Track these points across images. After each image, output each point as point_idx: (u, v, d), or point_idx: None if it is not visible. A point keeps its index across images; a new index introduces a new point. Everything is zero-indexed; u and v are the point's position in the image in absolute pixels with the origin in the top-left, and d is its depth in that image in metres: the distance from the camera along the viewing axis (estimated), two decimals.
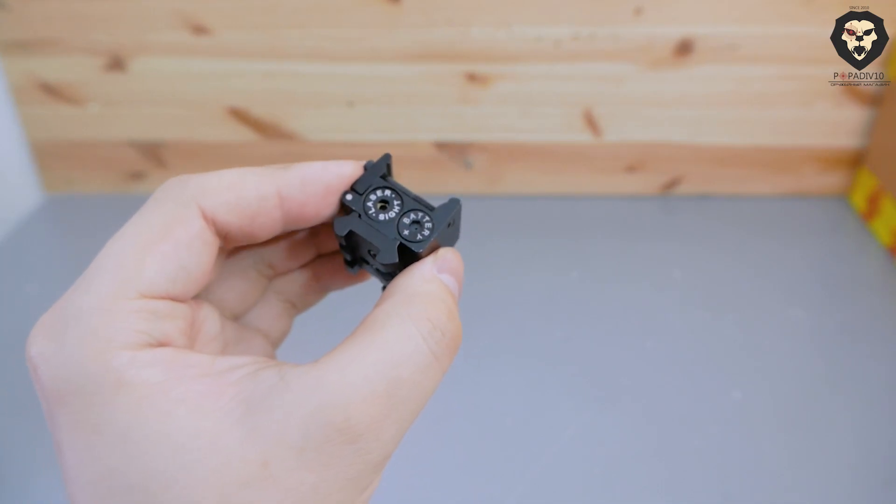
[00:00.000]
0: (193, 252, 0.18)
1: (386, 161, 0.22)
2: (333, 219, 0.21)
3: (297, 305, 0.26)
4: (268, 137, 0.67)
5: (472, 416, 0.47)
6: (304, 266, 0.26)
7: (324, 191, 0.21)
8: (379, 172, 0.22)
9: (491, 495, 0.42)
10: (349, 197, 0.21)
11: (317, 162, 0.21)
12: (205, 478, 0.16)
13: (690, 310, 0.55)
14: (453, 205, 0.22)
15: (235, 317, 0.24)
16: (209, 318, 0.22)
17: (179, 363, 0.17)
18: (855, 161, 0.67)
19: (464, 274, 0.21)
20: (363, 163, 0.22)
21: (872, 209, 0.64)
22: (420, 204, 0.22)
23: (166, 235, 0.18)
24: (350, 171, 0.21)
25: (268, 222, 0.20)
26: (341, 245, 0.22)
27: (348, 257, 0.23)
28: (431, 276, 0.20)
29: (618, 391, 0.48)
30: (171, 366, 0.17)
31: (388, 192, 0.21)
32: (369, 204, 0.21)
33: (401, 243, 0.21)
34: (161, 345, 0.17)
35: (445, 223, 0.21)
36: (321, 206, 0.21)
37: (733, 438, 0.45)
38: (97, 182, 0.70)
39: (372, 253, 0.21)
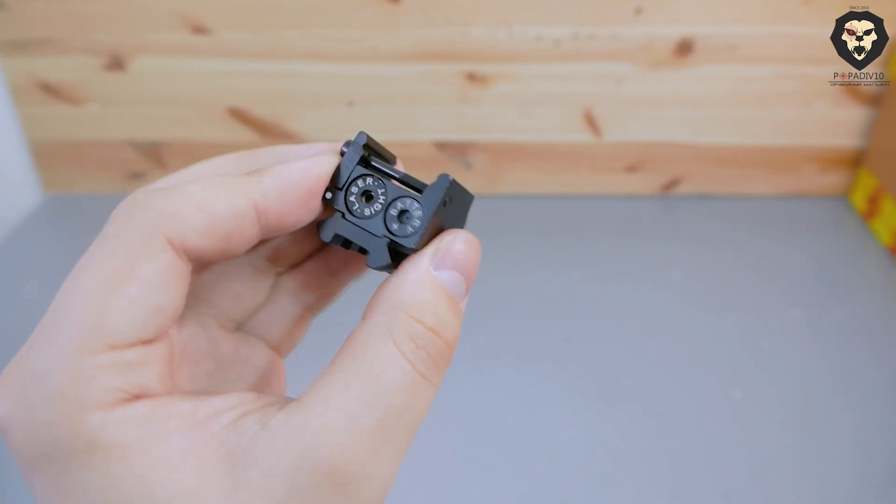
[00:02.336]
0: (163, 289, 0.16)
1: (361, 143, 0.19)
2: (317, 221, 0.19)
3: (312, 306, 0.23)
4: (268, 137, 0.67)
5: (472, 417, 0.47)
6: (312, 256, 0.23)
7: (305, 196, 0.18)
8: (355, 159, 0.19)
9: (491, 495, 0.42)
10: (329, 195, 0.19)
11: (293, 163, 0.18)
12: None
13: (690, 310, 0.55)
14: (443, 183, 0.19)
15: (237, 324, 0.22)
16: (196, 337, 0.20)
17: (158, 417, 0.16)
18: (855, 161, 0.67)
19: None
20: (341, 146, 0.19)
21: (872, 209, 0.64)
22: (407, 186, 0.19)
23: (131, 275, 0.16)
24: (330, 166, 0.19)
25: (244, 240, 0.18)
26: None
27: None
28: (424, 280, 0.18)
29: (618, 391, 0.48)
30: (148, 422, 0.16)
31: (370, 181, 0.19)
32: (352, 199, 0.19)
33: (390, 242, 0.19)
34: (137, 397, 0.16)
35: (437, 206, 0.18)
36: (303, 212, 0.18)
37: (733, 438, 0.45)
38: (97, 182, 0.70)
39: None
